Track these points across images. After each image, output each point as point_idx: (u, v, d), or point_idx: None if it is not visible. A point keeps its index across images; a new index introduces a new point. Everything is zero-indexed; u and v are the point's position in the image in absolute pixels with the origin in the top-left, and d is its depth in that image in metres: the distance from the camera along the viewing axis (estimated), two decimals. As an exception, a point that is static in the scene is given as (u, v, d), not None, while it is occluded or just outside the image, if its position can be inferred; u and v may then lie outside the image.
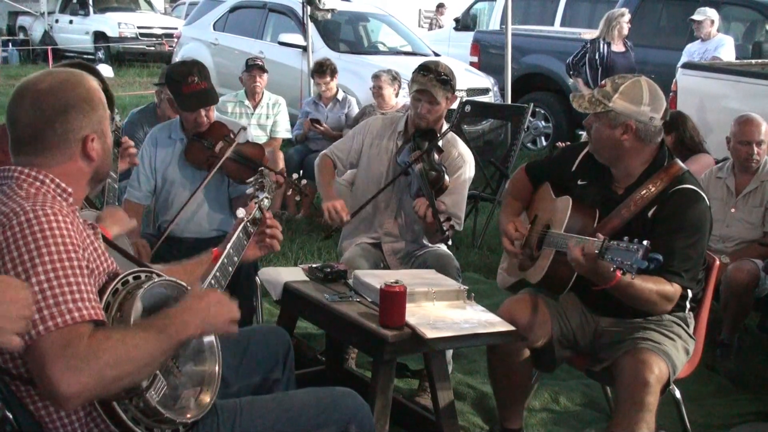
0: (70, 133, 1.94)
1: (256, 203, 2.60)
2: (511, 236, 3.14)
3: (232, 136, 3.93)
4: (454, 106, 6.31)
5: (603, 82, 3.00)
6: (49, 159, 1.93)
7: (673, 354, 2.86)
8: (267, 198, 2.69)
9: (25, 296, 1.62)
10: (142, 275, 2.00)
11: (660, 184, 2.92)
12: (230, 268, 2.38)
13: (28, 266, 1.71)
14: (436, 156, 3.64)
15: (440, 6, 18.44)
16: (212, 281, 2.28)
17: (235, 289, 3.57)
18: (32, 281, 1.70)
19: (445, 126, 3.85)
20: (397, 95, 6.86)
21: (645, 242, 2.48)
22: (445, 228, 3.30)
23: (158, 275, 2.04)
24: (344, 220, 3.70)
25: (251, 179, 2.80)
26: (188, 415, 1.97)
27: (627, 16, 7.70)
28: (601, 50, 7.59)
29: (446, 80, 3.65)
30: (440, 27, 17.20)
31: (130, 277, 1.96)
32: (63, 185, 1.93)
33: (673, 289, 2.81)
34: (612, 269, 2.55)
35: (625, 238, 2.55)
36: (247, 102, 6.77)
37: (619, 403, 2.82)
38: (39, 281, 1.70)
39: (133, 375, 1.75)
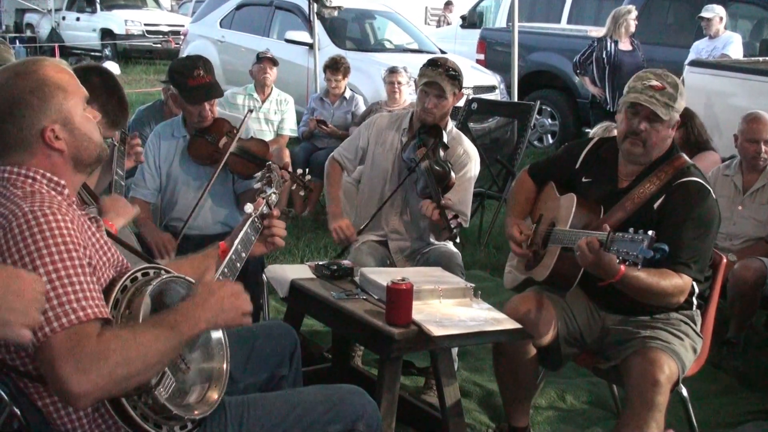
0: (25, 130, 1.90)
1: (264, 198, 2.60)
2: (517, 240, 3.15)
3: (234, 131, 3.94)
4: (460, 103, 6.31)
5: (656, 83, 2.90)
6: (18, 157, 1.91)
7: (682, 353, 2.86)
8: (275, 193, 2.68)
9: (33, 288, 1.58)
10: (151, 272, 2.00)
11: (664, 177, 2.93)
12: (238, 264, 2.37)
13: (30, 268, 1.71)
14: (441, 153, 3.64)
15: (448, 3, 18.42)
16: (220, 277, 2.28)
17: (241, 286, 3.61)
18: None
19: (450, 124, 3.85)
20: None
21: (650, 232, 2.48)
22: (452, 225, 3.30)
23: (167, 271, 2.04)
24: (351, 240, 3.76)
25: (258, 174, 2.79)
26: (196, 412, 1.97)
27: (634, 14, 7.66)
28: (608, 48, 7.56)
29: (455, 75, 3.66)
30: (449, 24, 17.19)
31: (138, 274, 1.96)
32: (55, 179, 1.92)
33: (682, 281, 2.80)
34: (617, 261, 2.55)
35: (630, 229, 2.55)
36: (256, 95, 6.78)
37: (629, 402, 2.80)
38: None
39: (144, 372, 1.75)
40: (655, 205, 2.91)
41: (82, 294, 1.73)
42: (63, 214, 1.81)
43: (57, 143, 1.92)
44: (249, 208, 2.51)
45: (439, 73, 3.64)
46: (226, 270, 2.30)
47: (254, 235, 2.48)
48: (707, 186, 2.92)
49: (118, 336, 1.73)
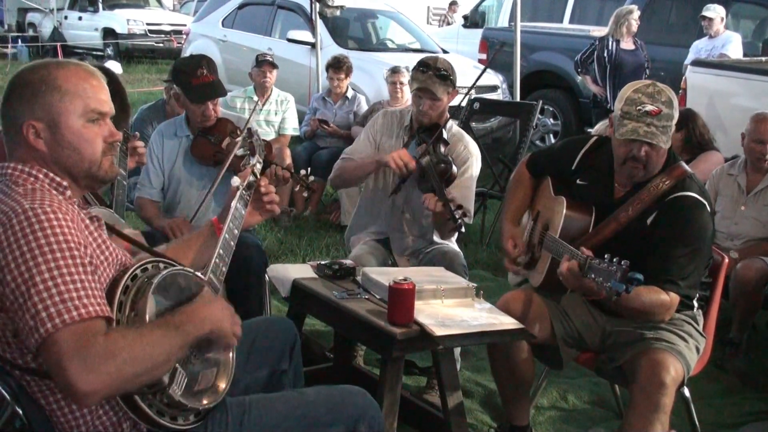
0: (12, 118, 1.91)
1: (249, 167, 2.58)
2: (510, 254, 3.14)
3: (238, 132, 3.93)
4: (462, 102, 6.30)
5: (651, 108, 2.75)
6: (10, 144, 1.93)
7: (687, 354, 2.85)
8: (259, 162, 2.66)
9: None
10: (149, 266, 2.00)
11: (662, 187, 2.87)
12: (232, 243, 2.35)
13: (31, 265, 1.71)
14: (442, 148, 3.64)
15: (453, 3, 18.41)
16: (216, 260, 2.26)
17: (244, 286, 3.61)
18: (36, 280, 1.70)
19: (451, 121, 3.84)
20: None
21: (624, 263, 2.43)
22: (457, 216, 3.27)
23: (165, 263, 2.04)
24: (411, 167, 3.57)
25: (238, 139, 2.76)
26: (204, 401, 1.99)
27: (636, 13, 7.67)
28: (610, 48, 7.57)
29: (445, 75, 3.64)
30: (449, 24, 17.19)
31: (138, 271, 1.96)
32: (57, 179, 1.92)
33: (669, 298, 2.79)
34: (596, 288, 2.55)
35: (606, 256, 2.51)
36: (255, 98, 6.77)
37: (634, 403, 2.79)
38: (43, 280, 1.70)
39: (151, 372, 1.77)
40: (648, 221, 2.88)
41: (83, 291, 1.73)
42: (63, 213, 1.81)
43: (35, 140, 1.91)
44: (236, 181, 2.48)
45: (429, 77, 3.61)
46: (221, 251, 2.29)
47: (243, 209, 2.47)
48: (702, 200, 2.85)
49: (124, 335, 1.74)
